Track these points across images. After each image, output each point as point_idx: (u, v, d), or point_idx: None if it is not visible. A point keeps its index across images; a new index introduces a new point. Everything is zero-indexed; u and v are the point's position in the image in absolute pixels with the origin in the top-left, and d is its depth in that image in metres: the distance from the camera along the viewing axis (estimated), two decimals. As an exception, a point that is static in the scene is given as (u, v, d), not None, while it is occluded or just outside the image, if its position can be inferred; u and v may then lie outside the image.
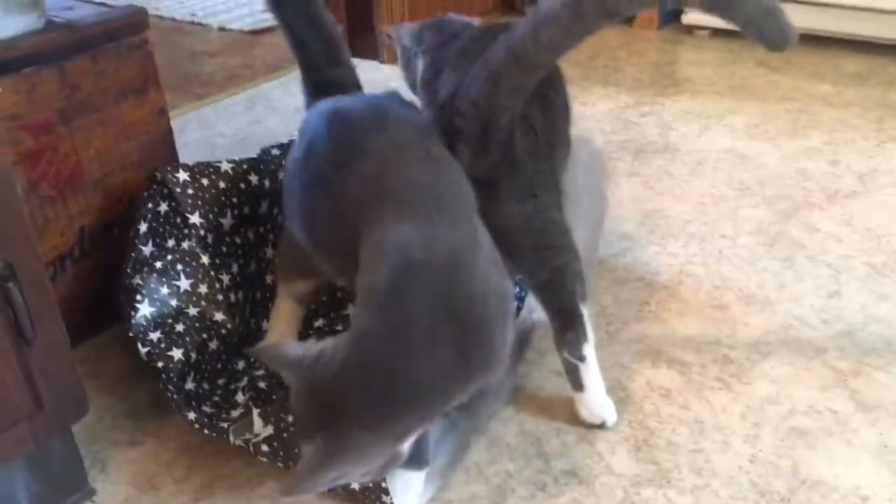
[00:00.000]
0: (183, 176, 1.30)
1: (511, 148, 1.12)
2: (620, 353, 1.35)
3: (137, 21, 1.39)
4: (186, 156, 2.03)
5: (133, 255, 1.28)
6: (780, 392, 1.25)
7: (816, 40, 2.50)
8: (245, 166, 1.38)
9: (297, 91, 2.45)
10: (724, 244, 1.62)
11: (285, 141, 1.48)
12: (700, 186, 1.83)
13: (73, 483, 1.13)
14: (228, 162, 1.37)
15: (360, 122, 1.11)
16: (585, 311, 1.17)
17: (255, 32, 3.04)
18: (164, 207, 1.31)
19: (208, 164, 1.35)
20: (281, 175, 1.42)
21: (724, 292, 1.48)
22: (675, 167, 1.91)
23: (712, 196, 1.79)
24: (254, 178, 1.38)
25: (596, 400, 1.20)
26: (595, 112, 2.22)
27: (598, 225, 1.48)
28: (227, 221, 1.34)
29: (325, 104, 1.20)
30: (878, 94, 2.21)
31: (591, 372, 1.19)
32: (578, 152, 1.41)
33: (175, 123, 2.30)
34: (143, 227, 1.29)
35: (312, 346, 0.93)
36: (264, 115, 2.33)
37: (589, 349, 1.17)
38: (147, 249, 1.28)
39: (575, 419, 1.22)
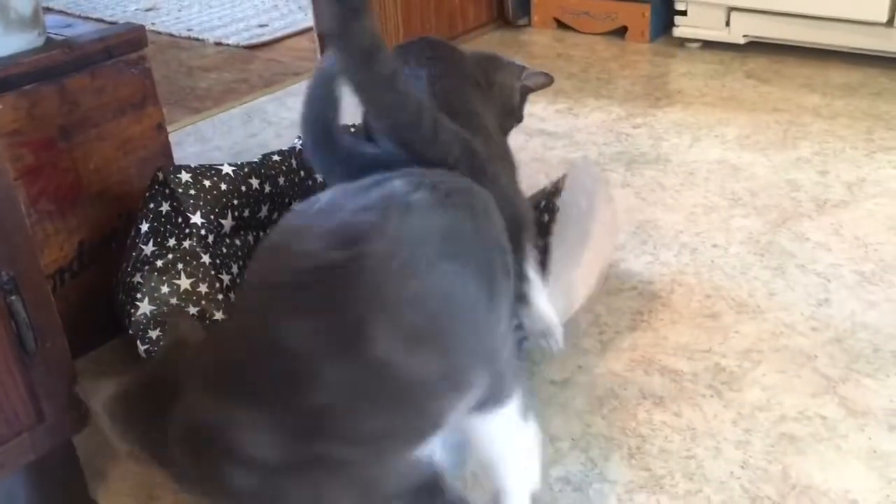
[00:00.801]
0: (185, 177, 1.33)
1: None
2: (613, 361, 1.37)
3: (135, 38, 1.41)
4: (184, 170, 2.05)
5: (134, 254, 1.30)
6: (771, 399, 1.27)
7: (806, 52, 2.54)
8: (246, 170, 1.40)
9: (291, 105, 2.49)
10: (716, 254, 1.64)
11: (285, 148, 1.50)
12: (692, 197, 1.85)
13: (73, 495, 1.14)
14: (230, 165, 1.39)
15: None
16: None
17: (252, 47, 3.07)
18: (165, 207, 1.33)
19: (210, 167, 1.37)
20: (281, 180, 1.45)
21: (716, 301, 1.50)
22: (667, 178, 1.94)
23: (704, 206, 1.81)
24: (254, 182, 1.40)
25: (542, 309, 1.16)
26: (588, 124, 2.24)
27: (606, 248, 1.45)
28: (227, 223, 1.36)
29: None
30: (866, 104, 2.24)
31: (536, 289, 1.15)
32: (581, 177, 1.42)
33: (172, 138, 2.31)
34: (145, 227, 1.31)
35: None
36: (260, 128, 2.35)
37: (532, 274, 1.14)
38: (148, 248, 1.30)
39: (568, 426, 1.23)
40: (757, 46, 2.61)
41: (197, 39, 3.19)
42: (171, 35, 3.26)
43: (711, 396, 1.29)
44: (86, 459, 1.20)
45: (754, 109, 2.26)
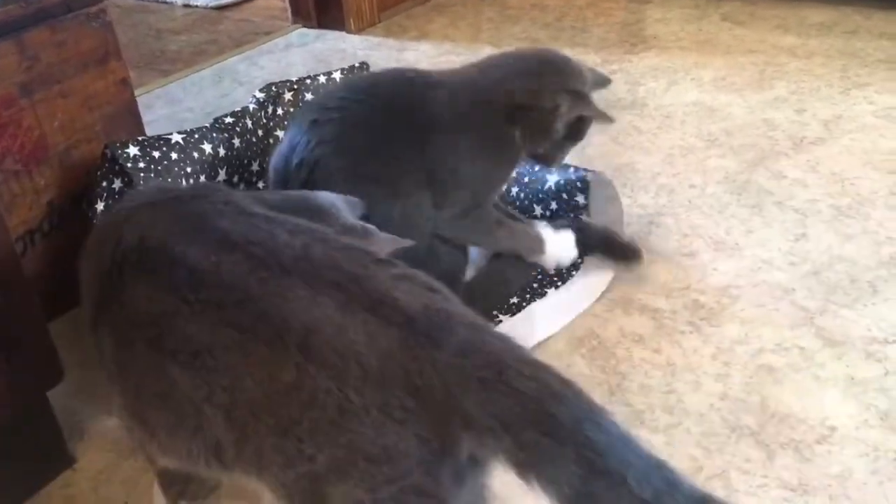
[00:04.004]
0: (133, 150, 1.31)
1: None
2: (593, 301, 1.37)
3: (95, -9, 1.37)
4: (154, 132, 2.02)
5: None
6: (749, 332, 1.27)
7: (781, -7, 2.52)
8: (197, 136, 1.38)
9: (263, 63, 2.45)
10: (693, 194, 1.64)
11: (238, 109, 1.48)
12: (669, 139, 1.84)
13: (51, 451, 1.13)
14: (179, 133, 1.37)
15: None
16: None
17: (220, 8, 3.01)
18: (118, 184, 1.31)
19: (159, 137, 1.36)
20: (236, 142, 1.43)
21: (694, 240, 1.50)
22: (644, 122, 1.93)
23: (681, 148, 1.80)
24: (207, 147, 1.38)
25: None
26: (563, 72, 2.22)
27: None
28: None
29: None
30: (841, 43, 2.23)
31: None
32: (597, 198, 1.44)
33: (142, 100, 2.28)
34: (101, 206, 1.29)
35: None
36: (231, 88, 2.32)
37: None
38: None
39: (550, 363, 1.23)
40: (732, -11, 2.59)
41: (165, 2, 3.13)
42: (138, -1, 3.19)
43: (691, 332, 1.29)
44: (65, 417, 1.19)
45: (730, 52, 2.25)
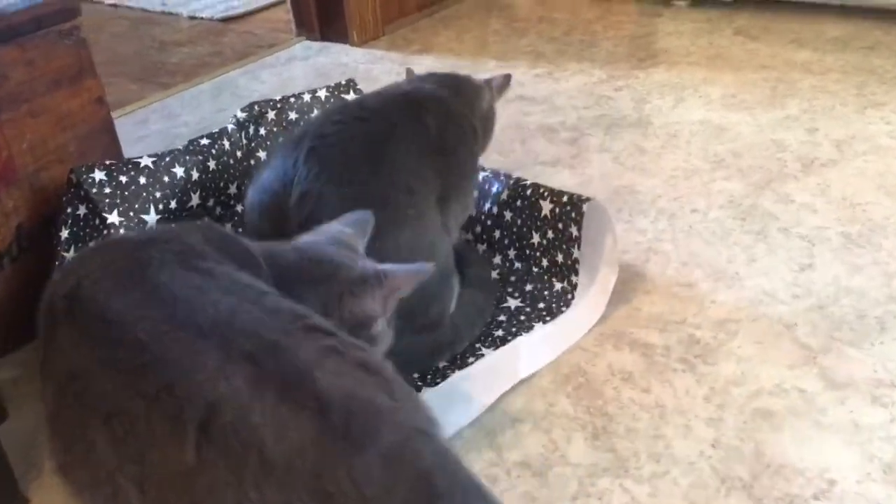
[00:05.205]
0: (99, 175, 1.26)
1: None
2: (582, 336, 1.29)
3: (67, 7, 1.33)
4: (147, 147, 1.99)
5: (57, 262, 1.24)
6: (747, 372, 1.19)
7: (797, 6, 2.43)
8: (168, 159, 1.33)
9: (265, 77, 2.41)
10: (695, 219, 1.56)
11: (215, 130, 1.44)
12: (672, 160, 1.77)
13: (3, 492, 1.08)
14: (149, 157, 1.32)
15: None
16: None
17: (226, 20, 2.98)
18: (82, 210, 1.26)
19: (127, 161, 1.31)
20: (212, 164, 1.37)
21: (693, 269, 1.42)
22: (648, 141, 1.85)
23: (684, 170, 1.72)
24: (179, 171, 1.33)
25: None
26: (568, 88, 2.15)
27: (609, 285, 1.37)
28: (150, 217, 1.29)
29: None
30: (859, 59, 2.13)
31: None
32: (592, 228, 1.37)
33: (137, 115, 2.26)
34: (65, 233, 1.25)
35: None
36: (230, 102, 2.27)
37: None
38: (70, 255, 1.24)
39: (531, 406, 1.16)
40: (746, 2, 2.51)
41: (171, 13, 3.11)
42: (144, 10, 3.17)
43: (683, 371, 1.21)
44: (22, 452, 1.14)
45: (741, 67, 2.16)
